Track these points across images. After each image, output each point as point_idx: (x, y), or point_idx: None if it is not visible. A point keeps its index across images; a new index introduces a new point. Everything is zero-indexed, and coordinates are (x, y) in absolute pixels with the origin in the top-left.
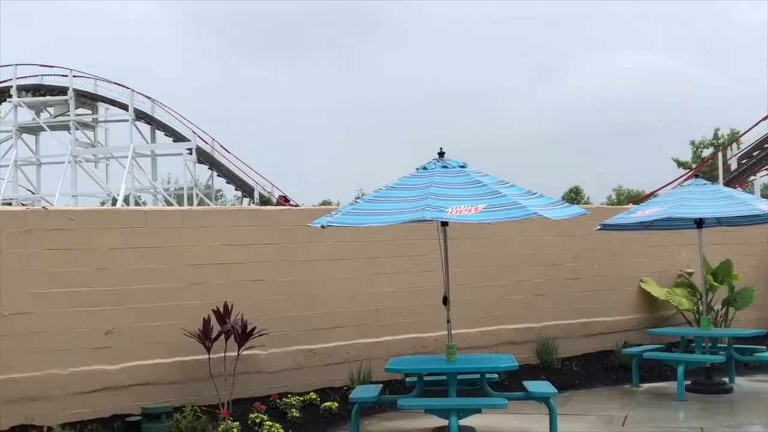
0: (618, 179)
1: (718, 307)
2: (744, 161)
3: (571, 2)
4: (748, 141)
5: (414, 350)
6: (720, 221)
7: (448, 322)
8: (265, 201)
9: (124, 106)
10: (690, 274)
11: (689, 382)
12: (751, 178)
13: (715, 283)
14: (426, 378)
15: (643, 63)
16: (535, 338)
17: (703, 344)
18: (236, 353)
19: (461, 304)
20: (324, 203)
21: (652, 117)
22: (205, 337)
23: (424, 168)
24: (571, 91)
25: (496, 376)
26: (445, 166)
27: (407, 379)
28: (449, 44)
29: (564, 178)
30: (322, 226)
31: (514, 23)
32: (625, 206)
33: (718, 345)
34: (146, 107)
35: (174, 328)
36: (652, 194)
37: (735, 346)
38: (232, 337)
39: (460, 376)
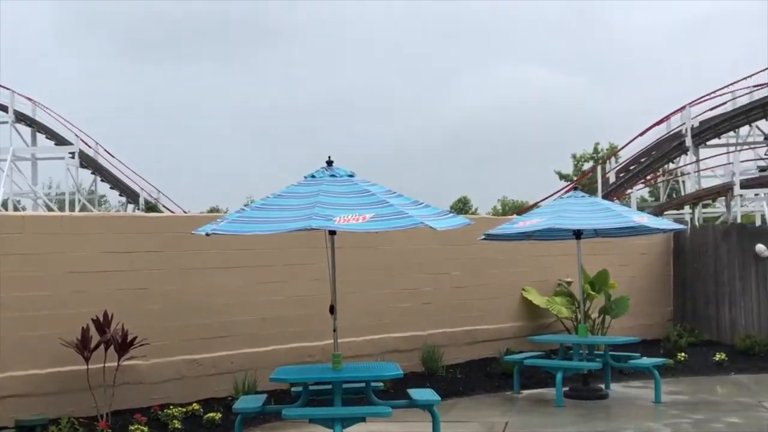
0: (504, 190)
1: (595, 315)
2: (621, 175)
3: (464, 17)
4: (625, 155)
5: (301, 359)
6: (597, 232)
7: (334, 330)
8: (150, 207)
9: (3, 108)
10: (569, 283)
11: (567, 389)
12: (628, 191)
13: (592, 293)
14: (312, 387)
15: (530, 78)
16: (421, 346)
17: (581, 351)
18: (116, 364)
19: (348, 313)
20: (213, 210)
21: (537, 130)
22: (83, 347)
23: (312, 176)
24: (461, 102)
25: (382, 384)
26: (333, 175)
27: (293, 389)
28: (345, 53)
29: (453, 188)
30: (207, 234)
31: (410, 34)
32: (509, 217)
33: (595, 352)
34: (27, 109)
35: (52, 337)
36: (535, 205)
37: (611, 353)
38: (112, 347)
39: (345, 385)
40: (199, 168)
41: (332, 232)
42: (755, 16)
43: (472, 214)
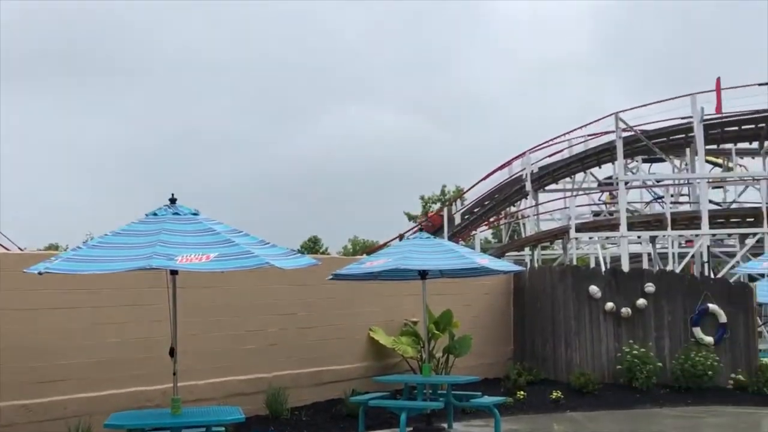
0: (355, 230)
1: (439, 354)
2: (467, 216)
3: (323, 56)
4: (470, 198)
5: (139, 404)
6: (443, 273)
7: (174, 374)
8: None
9: None
10: (415, 323)
11: (411, 429)
12: (473, 232)
13: (437, 332)
14: None
15: (381, 120)
16: (266, 388)
17: (425, 391)
18: None
19: (191, 355)
20: (50, 247)
21: (388, 171)
22: None
23: (154, 214)
24: (314, 142)
25: (223, 429)
26: (176, 213)
27: None
28: (197, 89)
29: (304, 227)
30: (40, 273)
31: (261, 72)
32: (357, 257)
33: (439, 391)
34: None
35: None
36: (384, 245)
37: (453, 392)
38: None
39: (184, 431)
40: (35, 203)
41: (174, 272)
42: (591, 67)
43: (323, 253)
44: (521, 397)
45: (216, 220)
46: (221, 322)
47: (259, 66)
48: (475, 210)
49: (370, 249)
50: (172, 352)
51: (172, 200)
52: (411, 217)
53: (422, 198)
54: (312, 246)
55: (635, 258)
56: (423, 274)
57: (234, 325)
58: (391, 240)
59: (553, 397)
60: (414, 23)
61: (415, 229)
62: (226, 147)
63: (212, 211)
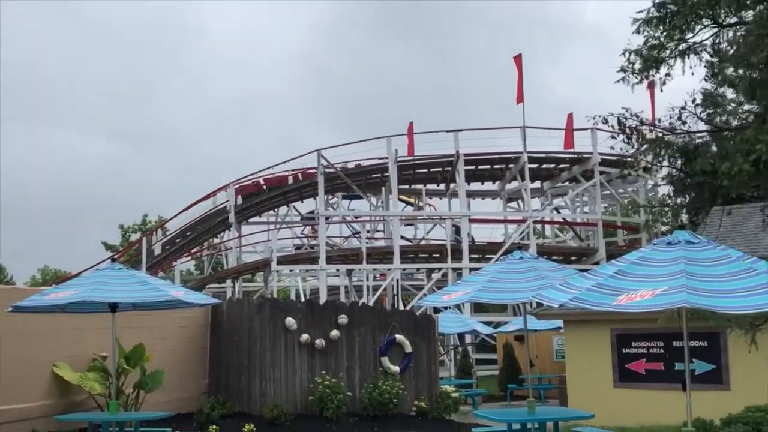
0: (48, 259)
1: (130, 390)
2: (168, 247)
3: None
4: (173, 228)
5: None
6: (135, 305)
7: None
8: None
9: None
10: (104, 357)
11: None
12: (174, 263)
13: (127, 367)
14: None
15: (81, 145)
16: None
17: (111, 429)
18: None
19: None
20: None
21: (86, 199)
22: None
23: None
24: (1, 166)
25: None
26: None
27: None
28: None
29: None
30: None
31: None
32: (42, 288)
33: (126, 429)
34: None
35: None
36: (77, 275)
37: (142, 429)
38: None
39: None
40: None
41: None
42: (291, 106)
43: (6, 283)
44: (213, 431)
45: None
46: None
47: None
48: (177, 241)
49: (61, 279)
50: None
51: None
52: (109, 247)
53: (122, 227)
54: None
55: (333, 290)
56: (113, 307)
57: None
58: (83, 270)
59: (246, 429)
60: (116, 50)
61: (108, 259)
62: None
63: None
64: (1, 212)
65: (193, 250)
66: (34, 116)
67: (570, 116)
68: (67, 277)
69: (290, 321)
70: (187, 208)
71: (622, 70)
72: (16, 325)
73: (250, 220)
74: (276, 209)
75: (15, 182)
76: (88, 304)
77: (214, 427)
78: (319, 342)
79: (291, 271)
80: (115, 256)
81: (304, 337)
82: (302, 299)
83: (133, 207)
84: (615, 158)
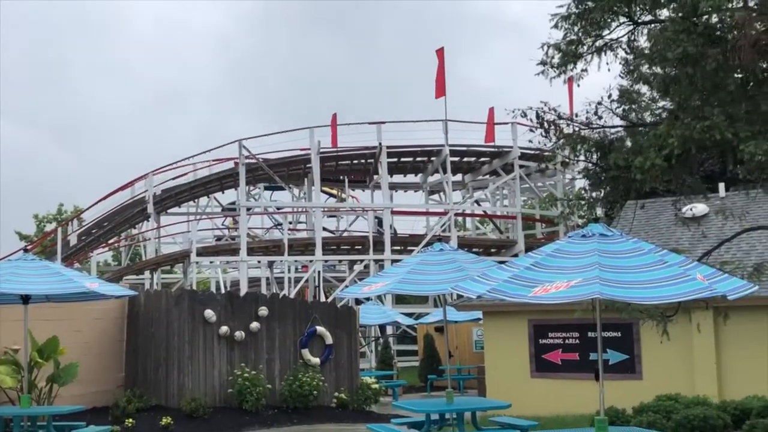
0: None
1: (43, 384)
2: (84, 237)
3: None
4: (89, 218)
5: None
6: (48, 297)
7: None
8: None
9: None
10: (16, 351)
11: None
12: (90, 254)
13: (40, 360)
14: None
15: None
16: None
17: (22, 423)
18: None
19: None
20: None
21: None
22: None
23: None
24: None
25: None
26: None
27: None
28: None
29: None
30: None
31: None
32: None
33: (38, 423)
34: None
35: None
36: None
37: (55, 423)
38: None
39: None
40: None
41: None
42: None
43: None
44: (130, 424)
45: None
46: None
47: None
48: (93, 231)
49: None
50: None
51: None
52: (23, 237)
53: (36, 217)
54: None
55: (254, 282)
56: (26, 299)
57: None
58: None
59: (163, 423)
60: (32, 33)
61: (25, 249)
62: None
63: None
64: None
65: (111, 241)
66: None
67: (491, 110)
68: None
69: (209, 313)
70: (105, 198)
71: (542, 63)
72: None
73: (170, 210)
74: (196, 200)
75: None
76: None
77: (130, 420)
78: (239, 334)
79: (211, 262)
80: (29, 247)
81: (224, 329)
82: (223, 291)
83: (49, 197)
84: (534, 152)
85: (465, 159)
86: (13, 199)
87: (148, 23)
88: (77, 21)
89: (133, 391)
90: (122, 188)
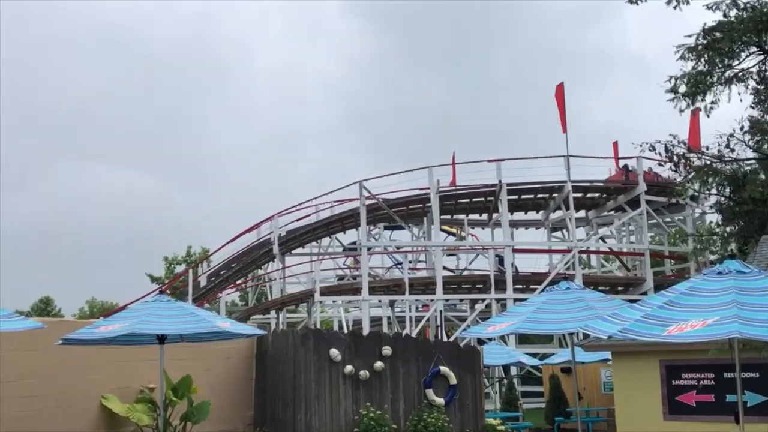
0: (94, 291)
1: (176, 422)
2: (213, 279)
3: (57, 112)
4: (217, 260)
5: None
6: (183, 337)
7: None
8: None
9: None
10: (152, 389)
11: None
12: (219, 295)
13: (174, 398)
14: None
15: (121, 179)
16: None
17: None
18: None
19: None
20: None
21: (130, 232)
22: None
23: None
24: (49, 199)
25: None
26: None
27: None
28: None
29: (37, 288)
30: None
31: None
32: (91, 320)
33: None
34: None
35: None
36: (125, 307)
37: None
38: None
39: None
40: None
41: None
42: (331, 139)
43: (56, 315)
44: None
45: None
46: None
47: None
48: (222, 272)
49: (109, 311)
50: None
51: None
52: (154, 279)
53: (166, 259)
54: (44, 308)
55: (376, 321)
56: (161, 339)
57: None
58: (131, 302)
59: None
60: (156, 84)
61: (155, 291)
62: None
63: None
64: (49, 247)
65: (238, 282)
66: (82, 152)
67: (615, 144)
68: (114, 309)
69: (334, 352)
70: (232, 240)
71: (672, 90)
72: (65, 357)
73: (294, 251)
74: (319, 240)
75: (60, 217)
76: (136, 336)
77: None
78: (363, 373)
79: (334, 301)
80: (162, 288)
81: (348, 368)
82: (345, 330)
83: (177, 239)
84: (661, 186)
85: (588, 195)
86: (144, 243)
87: (271, 71)
88: (200, 70)
89: (262, 429)
90: (248, 230)
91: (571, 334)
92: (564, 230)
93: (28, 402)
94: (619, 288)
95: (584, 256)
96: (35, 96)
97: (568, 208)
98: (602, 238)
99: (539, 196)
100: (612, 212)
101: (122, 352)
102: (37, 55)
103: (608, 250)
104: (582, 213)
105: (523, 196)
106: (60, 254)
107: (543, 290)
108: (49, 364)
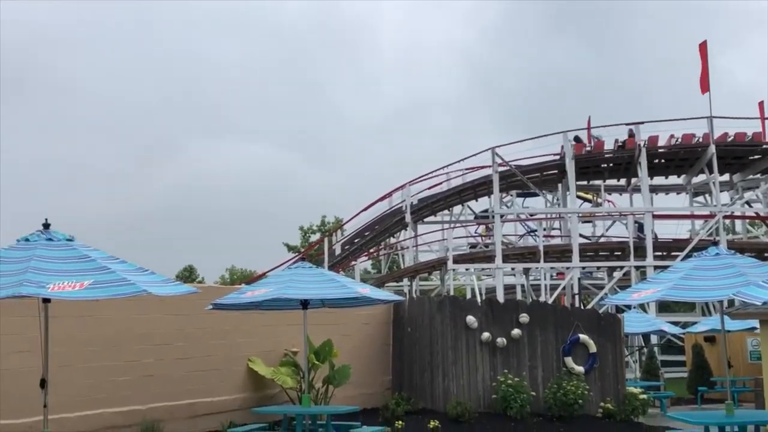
0: (232, 260)
1: (319, 385)
2: (347, 247)
3: (190, 91)
4: (350, 229)
5: None
6: (324, 302)
7: (44, 406)
8: None
9: None
10: (295, 353)
11: None
12: (353, 263)
13: (317, 362)
14: None
15: (255, 152)
16: (140, 421)
17: (304, 422)
18: None
19: (62, 387)
20: None
21: (264, 203)
22: None
23: (26, 240)
24: (187, 172)
25: None
26: (50, 239)
27: None
28: (66, 114)
29: (179, 256)
30: None
31: (132, 102)
32: (237, 286)
33: (318, 422)
34: None
35: None
36: (264, 275)
37: (333, 422)
38: None
39: None
40: None
41: (46, 300)
42: (461, 106)
43: (199, 282)
44: (399, 426)
45: (92, 247)
46: (94, 353)
47: (133, 99)
48: (356, 241)
49: (249, 278)
50: (42, 384)
51: (46, 225)
52: (290, 248)
53: (301, 228)
54: (187, 275)
55: (509, 289)
56: (304, 304)
57: (107, 355)
58: (270, 270)
59: (431, 426)
60: (288, 60)
61: (297, 258)
62: (98, 175)
63: (86, 238)
64: (192, 216)
65: (371, 250)
66: (217, 128)
67: (761, 104)
68: (255, 277)
69: (471, 319)
70: (365, 209)
71: None
72: (213, 322)
73: (426, 219)
74: (450, 209)
75: (197, 188)
76: (281, 301)
77: (400, 422)
78: (501, 341)
79: (467, 269)
80: (302, 255)
81: (485, 335)
82: (478, 298)
83: (311, 209)
84: None
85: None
86: (279, 212)
87: (395, 41)
88: (327, 42)
89: (400, 394)
90: (381, 199)
91: (720, 301)
92: (707, 195)
93: (180, 363)
94: (767, 255)
95: (728, 221)
96: (170, 68)
97: (711, 172)
98: (748, 203)
99: (681, 159)
100: (759, 175)
101: (266, 317)
102: (173, 29)
103: (755, 215)
104: (726, 177)
105: (663, 160)
106: (201, 223)
107: (685, 257)
108: (197, 328)
